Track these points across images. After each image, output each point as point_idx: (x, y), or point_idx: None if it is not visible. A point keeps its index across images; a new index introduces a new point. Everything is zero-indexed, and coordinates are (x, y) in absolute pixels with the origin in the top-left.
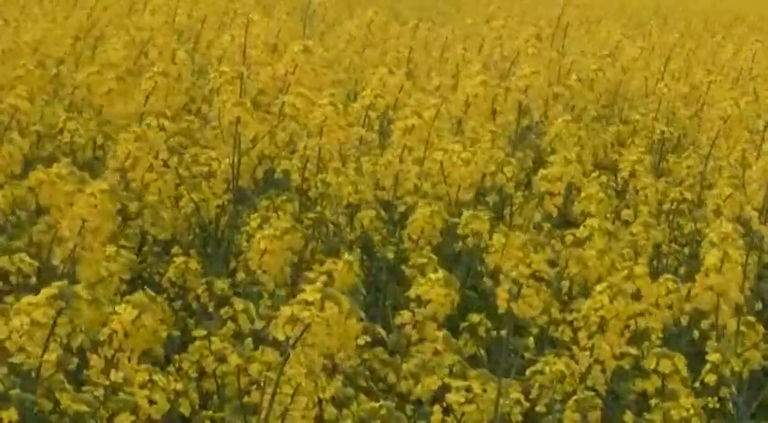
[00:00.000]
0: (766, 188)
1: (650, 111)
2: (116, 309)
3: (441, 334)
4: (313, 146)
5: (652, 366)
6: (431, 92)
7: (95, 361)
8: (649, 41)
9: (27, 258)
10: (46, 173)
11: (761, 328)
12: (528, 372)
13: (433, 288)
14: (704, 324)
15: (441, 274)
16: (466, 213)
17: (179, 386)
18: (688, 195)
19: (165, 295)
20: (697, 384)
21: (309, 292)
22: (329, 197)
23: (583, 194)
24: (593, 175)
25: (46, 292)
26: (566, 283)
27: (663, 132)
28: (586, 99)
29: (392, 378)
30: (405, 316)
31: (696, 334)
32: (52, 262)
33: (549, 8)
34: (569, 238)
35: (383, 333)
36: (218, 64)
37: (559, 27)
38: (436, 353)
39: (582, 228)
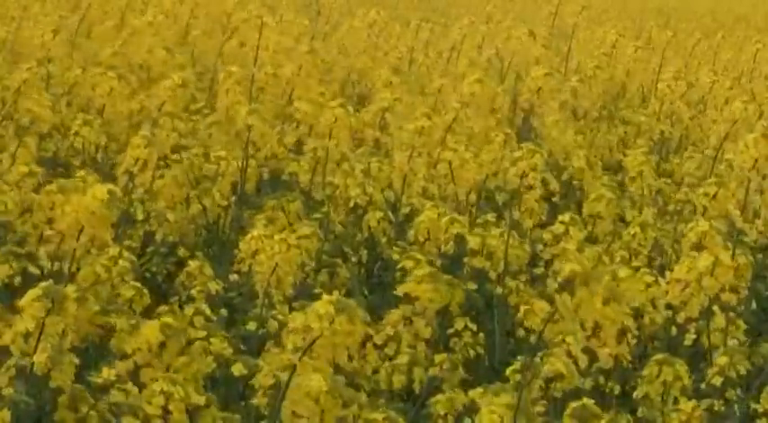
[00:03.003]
0: (746, 186)
1: (652, 111)
2: (142, 326)
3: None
4: (323, 147)
5: (654, 374)
6: (431, 94)
7: (120, 368)
8: (649, 42)
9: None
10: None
11: (741, 324)
12: (508, 371)
13: (420, 284)
14: (680, 317)
15: (426, 270)
16: (445, 218)
17: (201, 400)
18: (692, 196)
19: (176, 298)
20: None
21: (322, 304)
22: (336, 199)
23: (592, 196)
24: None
25: (32, 292)
26: (551, 281)
27: (662, 133)
28: (589, 99)
29: (382, 376)
30: (394, 315)
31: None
32: (40, 263)
33: (548, 8)
34: (547, 236)
35: (372, 332)
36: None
37: (558, 27)
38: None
39: (557, 224)
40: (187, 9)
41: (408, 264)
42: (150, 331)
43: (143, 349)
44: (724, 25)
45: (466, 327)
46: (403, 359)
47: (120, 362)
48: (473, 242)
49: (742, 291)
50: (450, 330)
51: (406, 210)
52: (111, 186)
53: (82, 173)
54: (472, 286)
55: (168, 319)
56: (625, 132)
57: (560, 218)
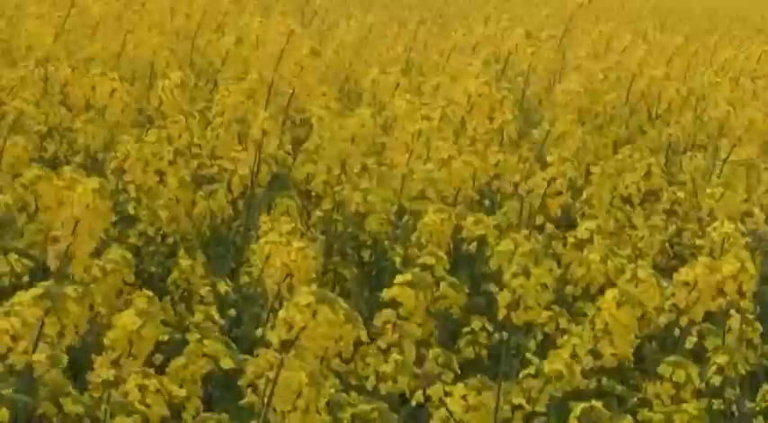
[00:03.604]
0: None
1: (658, 113)
2: (118, 315)
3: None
4: (343, 152)
5: (667, 374)
6: (429, 93)
7: (100, 363)
8: (647, 42)
9: (16, 258)
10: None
11: (758, 326)
12: (521, 374)
13: (404, 290)
14: (683, 320)
15: (410, 275)
16: (470, 218)
17: (182, 392)
18: (681, 195)
19: (169, 297)
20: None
21: (303, 296)
22: (344, 205)
23: (587, 194)
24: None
25: (32, 292)
26: (570, 287)
27: (670, 135)
28: (594, 103)
29: (373, 380)
30: (383, 316)
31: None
32: (47, 263)
33: (547, 9)
34: (570, 241)
35: (364, 334)
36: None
37: (558, 27)
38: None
39: (582, 229)
40: (185, 8)
41: (430, 260)
42: (126, 318)
43: (121, 338)
44: (721, 25)
45: (483, 327)
46: (389, 367)
47: (100, 357)
48: (503, 246)
49: (748, 294)
50: (466, 329)
51: (404, 210)
52: (100, 179)
53: (69, 168)
54: (494, 288)
55: (143, 305)
56: (619, 133)
57: (585, 225)
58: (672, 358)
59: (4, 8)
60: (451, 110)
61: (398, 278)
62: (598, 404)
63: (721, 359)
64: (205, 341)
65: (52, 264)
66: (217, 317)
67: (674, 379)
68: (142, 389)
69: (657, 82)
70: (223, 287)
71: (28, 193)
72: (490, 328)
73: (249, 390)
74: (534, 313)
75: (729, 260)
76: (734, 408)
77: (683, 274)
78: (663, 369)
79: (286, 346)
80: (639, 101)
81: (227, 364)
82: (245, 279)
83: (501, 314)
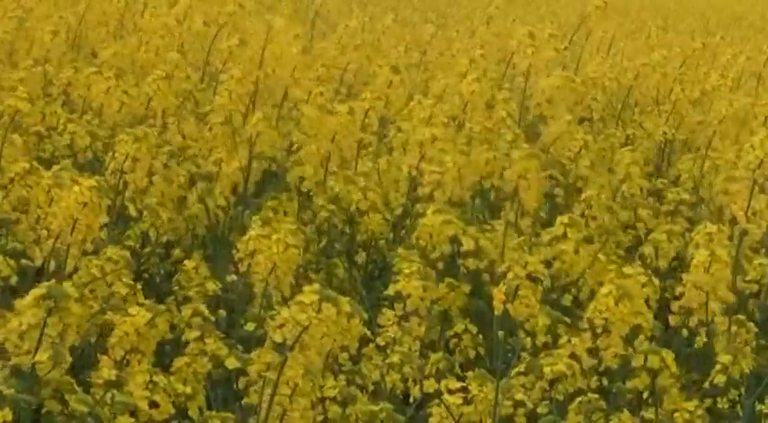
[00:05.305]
0: (751, 186)
1: (658, 114)
2: (128, 311)
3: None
4: (327, 151)
5: (640, 364)
6: (434, 94)
7: (105, 363)
8: (648, 42)
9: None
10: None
11: (752, 327)
12: (512, 372)
13: (410, 282)
14: (691, 321)
15: (415, 266)
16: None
17: (188, 389)
18: (686, 196)
19: (173, 298)
20: (689, 384)
21: (307, 294)
22: (339, 202)
23: (582, 196)
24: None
25: (34, 292)
26: (547, 283)
27: (665, 134)
28: (598, 104)
29: (376, 376)
30: (387, 315)
31: (685, 332)
32: (34, 262)
33: (546, 9)
34: (545, 238)
35: (369, 333)
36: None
37: (561, 26)
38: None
39: (557, 225)
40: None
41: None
42: (138, 313)
43: (130, 333)
44: (721, 25)
45: (466, 329)
46: (395, 358)
47: (105, 357)
48: (466, 244)
49: (744, 291)
50: (450, 332)
51: (399, 211)
52: (97, 177)
53: (66, 166)
54: (466, 289)
55: (150, 302)
56: (628, 136)
57: (559, 219)
58: (645, 347)
59: (6, 8)
60: (447, 109)
61: (404, 270)
62: (594, 396)
63: (725, 358)
64: (206, 340)
65: (38, 261)
66: (207, 313)
67: (647, 366)
68: (149, 387)
69: (661, 81)
70: (211, 286)
71: (23, 191)
72: (473, 330)
73: (251, 390)
74: (531, 305)
75: (701, 252)
76: (738, 408)
77: (692, 274)
78: (635, 360)
79: (289, 344)
80: (647, 101)
81: (231, 364)
82: (231, 278)
83: (498, 309)
